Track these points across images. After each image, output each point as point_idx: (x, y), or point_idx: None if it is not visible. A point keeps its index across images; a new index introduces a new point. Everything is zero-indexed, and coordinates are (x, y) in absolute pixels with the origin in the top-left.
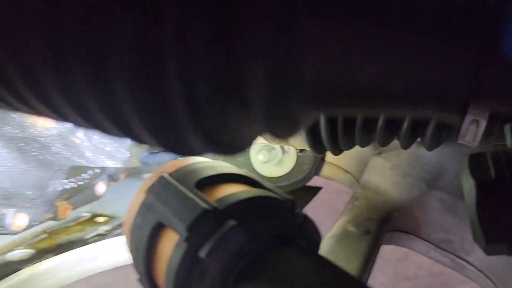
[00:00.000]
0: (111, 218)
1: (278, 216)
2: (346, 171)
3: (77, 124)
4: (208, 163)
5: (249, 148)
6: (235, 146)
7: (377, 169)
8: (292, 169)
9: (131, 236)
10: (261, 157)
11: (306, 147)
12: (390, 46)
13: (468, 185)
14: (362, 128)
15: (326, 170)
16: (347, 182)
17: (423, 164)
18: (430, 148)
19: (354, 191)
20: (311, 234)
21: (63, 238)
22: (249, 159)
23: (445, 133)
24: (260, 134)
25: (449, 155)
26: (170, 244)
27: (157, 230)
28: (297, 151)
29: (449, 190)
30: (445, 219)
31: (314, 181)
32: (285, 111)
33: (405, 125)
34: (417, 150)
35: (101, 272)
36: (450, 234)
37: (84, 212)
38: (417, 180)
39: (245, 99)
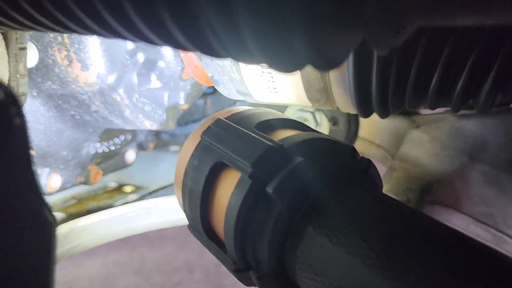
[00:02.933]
0: (138, 188)
1: (342, 158)
2: (379, 146)
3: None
4: (264, 110)
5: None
6: (337, 54)
7: (416, 142)
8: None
9: (185, 180)
10: None
11: (353, 110)
12: None
13: None
14: (414, 87)
15: (358, 145)
16: (380, 158)
17: (464, 137)
18: (482, 111)
19: (390, 164)
20: (374, 178)
21: (93, 204)
22: None
23: (500, 95)
24: (357, 45)
25: (493, 127)
26: (231, 184)
27: (216, 171)
28: (330, 123)
29: (492, 163)
30: (487, 192)
31: None
32: (395, 18)
33: (459, 85)
34: (458, 122)
35: (118, 250)
36: (492, 207)
37: (111, 181)
38: (458, 153)
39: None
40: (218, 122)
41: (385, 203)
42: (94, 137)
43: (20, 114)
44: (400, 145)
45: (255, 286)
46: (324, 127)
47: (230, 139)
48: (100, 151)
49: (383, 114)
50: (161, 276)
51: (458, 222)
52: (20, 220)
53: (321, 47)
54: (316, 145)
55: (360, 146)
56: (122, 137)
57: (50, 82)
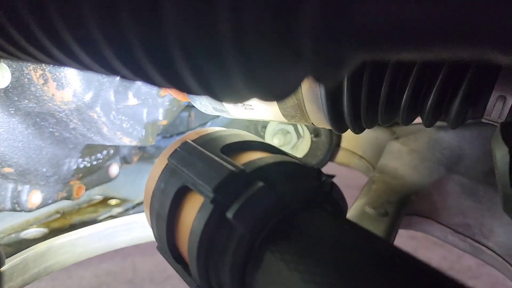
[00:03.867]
0: (123, 201)
1: (305, 182)
2: (361, 157)
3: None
4: (232, 131)
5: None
6: (281, 90)
7: (395, 154)
8: (307, 154)
9: (152, 202)
10: (276, 141)
11: (327, 125)
12: None
13: (501, 152)
14: (386, 104)
15: (340, 156)
16: (362, 169)
17: (442, 148)
18: (454, 126)
19: (370, 175)
20: (338, 201)
21: (76, 218)
22: None
23: (471, 111)
24: (304, 79)
25: (470, 139)
26: (194, 207)
27: (181, 194)
28: (312, 135)
29: (469, 174)
30: (464, 203)
31: (328, 168)
32: (335, 52)
33: (429, 102)
34: (436, 134)
35: (109, 260)
36: (469, 218)
37: (96, 195)
38: (436, 164)
39: (296, 38)
40: (184, 145)
41: (346, 229)
42: (75, 153)
43: None
44: (381, 156)
45: None
46: (306, 139)
47: (194, 162)
48: (81, 166)
49: (357, 130)
50: (153, 286)
51: (437, 232)
52: None
53: (262, 86)
54: (280, 169)
55: (342, 157)
56: (105, 152)
57: (26, 101)
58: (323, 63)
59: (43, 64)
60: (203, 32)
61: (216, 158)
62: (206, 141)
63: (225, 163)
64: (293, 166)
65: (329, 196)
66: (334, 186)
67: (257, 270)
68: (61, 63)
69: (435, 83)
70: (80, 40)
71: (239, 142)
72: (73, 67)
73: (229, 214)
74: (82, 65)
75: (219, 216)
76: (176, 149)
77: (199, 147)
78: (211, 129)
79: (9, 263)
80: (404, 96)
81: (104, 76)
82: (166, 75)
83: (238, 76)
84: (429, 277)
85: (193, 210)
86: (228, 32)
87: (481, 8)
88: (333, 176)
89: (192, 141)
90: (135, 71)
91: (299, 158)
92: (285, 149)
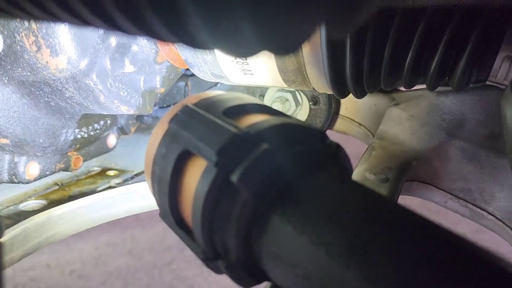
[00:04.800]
0: (121, 171)
1: (309, 144)
2: (360, 124)
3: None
4: (234, 94)
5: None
6: (293, 40)
7: (394, 120)
8: (305, 122)
9: (153, 168)
10: (274, 107)
11: (329, 90)
12: None
13: (511, 111)
14: (389, 66)
15: (340, 123)
16: (361, 136)
17: (443, 113)
18: (458, 88)
19: (370, 142)
20: (344, 163)
21: (75, 190)
22: None
23: (476, 72)
24: (317, 26)
25: (471, 103)
26: (197, 172)
27: (183, 158)
28: (310, 103)
29: (470, 139)
30: (465, 168)
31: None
32: None
33: (434, 62)
34: (437, 99)
35: (109, 232)
36: (470, 183)
37: (94, 166)
38: (437, 129)
39: None
40: (185, 109)
41: (352, 190)
42: (72, 123)
43: None
44: (380, 123)
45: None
46: (305, 107)
47: (196, 126)
48: (79, 136)
49: (359, 94)
50: (153, 256)
51: (437, 198)
52: None
53: (273, 35)
54: (284, 131)
55: (341, 125)
56: (102, 122)
57: (20, 69)
58: (339, 6)
59: (35, 30)
60: None
61: (219, 121)
62: (208, 104)
63: (228, 126)
64: (297, 128)
65: (335, 158)
66: (339, 148)
67: (263, 234)
68: (56, 17)
69: (440, 43)
70: None
71: (241, 105)
72: (69, 21)
73: (234, 178)
74: (80, 20)
75: (223, 180)
76: (176, 113)
77: (200, 111)
78: (212, 92)
79: (9, 233)
80: (409, 57)
81: (100, 37)
82: (175, 30)
83: (250, 25)
84: (439, 235)
85: (196, 175)
86: None
87: None
88: None
89: (193, 104)
90: (139, 25)
91: (302, 121)
92: None
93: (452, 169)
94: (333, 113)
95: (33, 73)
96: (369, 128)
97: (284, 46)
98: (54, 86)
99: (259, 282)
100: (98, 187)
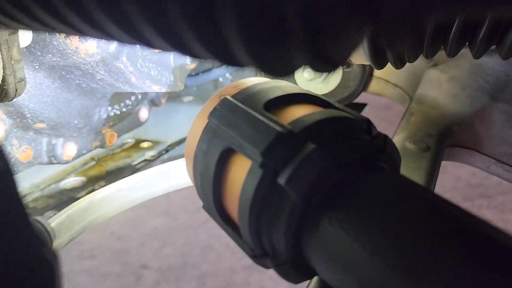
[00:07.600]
0: (155, 143)
1: (356, 138)
2: (396, 86)
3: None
4: (273, 83)
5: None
6: (339, 57)
7: (433, 82)
8: (338, 85)
9: (195, 163)
10: (306, 74)
11: (365, 61)
12: None
13: None
14: (433, 35)
15: (374, 85)
16: (397, 97)
17: (486, 75)
18: (506, 56)
19: (406, 106)
20: (392, 156)
21: (111, 165)
22: (293, 77)
23: None
24: (360, 43)
25: None
26: (241, 170)
27: (226, 155)
28: (344, 66)
29: None
30: (508, 132)
31: (361, 98)
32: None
33: (483, 29)
34: (479, 59)
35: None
36: None
37: (128, 138)
38: (479, 92)
39: None
40: (224, 102)
41: (405, 191)
42: (104, 102)
43: (2, 158)
44: (417, 84)
45: None
46: (337, 70)
47: (238, 122)
48: (111, 114)
49: (399, 65)
50: (187, 216)
51: (479, 163)
52: (21, 266)
53: (321, 49)
54: (329, 126)
55: (376, 86)
56: (133, 98)
57: (50, 55)
58: (398, 27)
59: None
60: None
61: (261, 118)
62: (247, 96)
63: (271, 123)
64: (343, 121)
65: (383, 151)
66: (387, 139)
67: (313, 236)
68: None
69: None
70: (116, 16)
71: (282, 96)
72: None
73: (281, 180)
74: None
75: (269, 181)
76: (216, 107)
77: (240, 105)
78: (249, 81)
79: (55, 221)
80: (455, 23)
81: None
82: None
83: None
84: (496, 243)
85: (241, 172)
86: None
87: None
88: (368, 119)
89: (232, 97)
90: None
91: (346, 108)
92: (316, 81)
93: (495, 134)
94: (367, 74)
95: (63, 58)
96: (406, 89)
97: (328, 63)
98: (85, 70)
99: (308, 278)
100: (133, 161)
